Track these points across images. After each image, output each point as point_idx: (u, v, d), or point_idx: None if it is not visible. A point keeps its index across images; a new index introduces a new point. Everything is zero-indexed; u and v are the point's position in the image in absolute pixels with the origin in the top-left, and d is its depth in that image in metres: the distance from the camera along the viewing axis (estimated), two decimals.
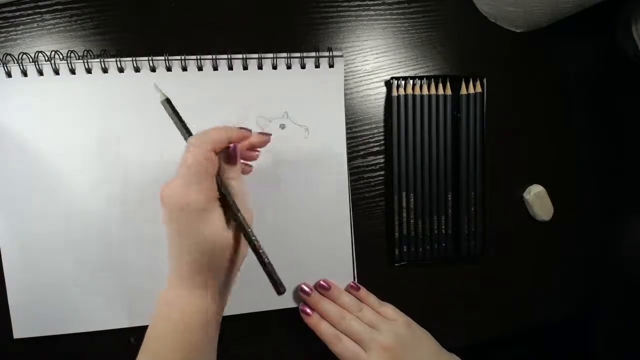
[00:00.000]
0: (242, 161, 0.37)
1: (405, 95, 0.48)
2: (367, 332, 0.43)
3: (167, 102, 0.34)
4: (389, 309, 0.46)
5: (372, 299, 0.46)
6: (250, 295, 0.46)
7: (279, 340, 0.48)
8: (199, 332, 0.33)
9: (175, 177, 0.32)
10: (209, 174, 0.32)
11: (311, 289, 0.46)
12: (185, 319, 0.33)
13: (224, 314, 0.46)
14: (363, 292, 0.47)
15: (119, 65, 0.43)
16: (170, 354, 0.32)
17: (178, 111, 0.34)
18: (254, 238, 0.34)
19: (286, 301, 0.47)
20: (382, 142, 0.49)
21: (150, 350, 0.33)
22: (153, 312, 0.33)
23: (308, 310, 0.45)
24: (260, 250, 0.34)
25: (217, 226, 0.32)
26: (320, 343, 0.44)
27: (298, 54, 0.45)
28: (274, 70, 0.45)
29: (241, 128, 0.36)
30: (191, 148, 0.32)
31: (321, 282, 0.46)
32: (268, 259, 0.34)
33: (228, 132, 0.34)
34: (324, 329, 0.44)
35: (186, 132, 0.34)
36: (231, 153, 0.34)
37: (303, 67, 0.46)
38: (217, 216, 0.32)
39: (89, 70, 0.43)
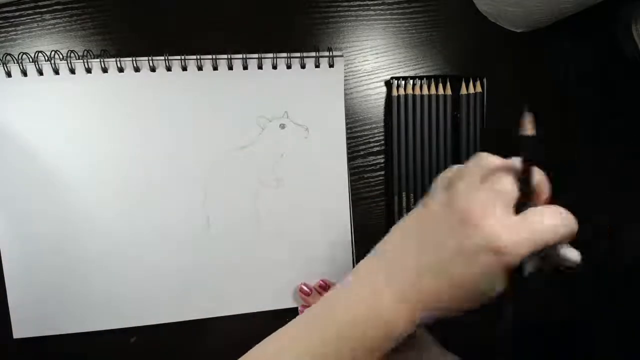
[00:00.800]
0: None
1: (405, 95, 0.48)
2: None
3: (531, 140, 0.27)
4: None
5: None
6: (251, 295, 0.46)
7: None
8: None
9: (510, 213, 0.26)
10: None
11: (311, 289, 0.46)
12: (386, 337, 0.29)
13: (224, 314, 0.46)
14: None
15: (119, 65, 0.43)
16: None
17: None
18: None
19: (286, 301, 0.47)
20: (382, 142, 0.49)
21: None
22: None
23: None
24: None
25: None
26: None
27: (298, 54, 0.45)
28: (274, 70, 0.45)
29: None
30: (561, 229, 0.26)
31: (321, 282, 0.46)
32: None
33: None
34: None
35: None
36: None
37: (303, 67, 0.46)
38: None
39: (88, 70, 0.43)
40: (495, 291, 0.28)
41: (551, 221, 0.26)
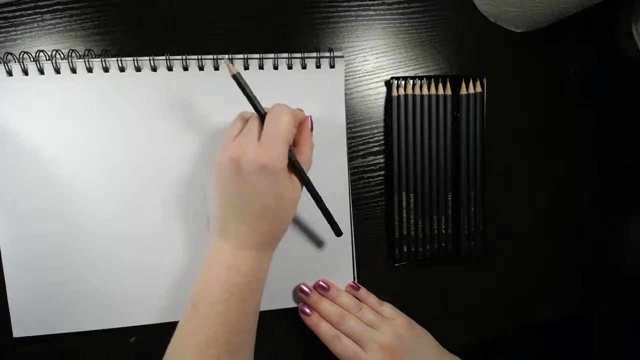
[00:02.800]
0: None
1: (405, 95, 0.48)
2: (367, 331, 0.43)
3: (236, 77, 0.37)
4: (389, 309, 0.46)
5: (371, 298, 0.46)
6: None
7: (279, 340, 0.48)
8: (259, 295, 0.40)
9: (242, 141, 0.37)
10: (289, 141, 0.37)
11: (310, 289, 0.46)
12: (252, 283, 0.39)
13: None
14: (363, 291, 0.47)
15: (120, 65, 0.43)
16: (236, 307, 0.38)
17: (247, 86, 0.38)
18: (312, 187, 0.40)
19: (286, 301, 0.47)
20: (382, 142, 0.49)
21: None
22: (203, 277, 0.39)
23: (307, 310, 0.45)
24: (318, 193, 0.41)
25: (291, 185, 0.38)
26: (319, 343, 0.44)
27: (299, 55, 0.45)
28: (274, 71, 0.45)
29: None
30: (283, 117, 0.37)
31: (320, 282, 0.46)
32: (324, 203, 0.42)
33: (295, 110, 0.39)
34: (323, 329, 0.44)
35: (259, 108, 0.38)
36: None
37: (304, 67, 0.46)
38: (289, 176, 0.38)
39: (90, 70, 0.43)
40: (294, 197, 0.39)
41: (279, 122, 0.37)
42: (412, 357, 0.43)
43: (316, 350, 0.44)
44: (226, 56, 0.44)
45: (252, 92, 0.38)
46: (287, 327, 0.47)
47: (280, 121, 0.37)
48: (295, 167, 0.39)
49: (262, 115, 0.38)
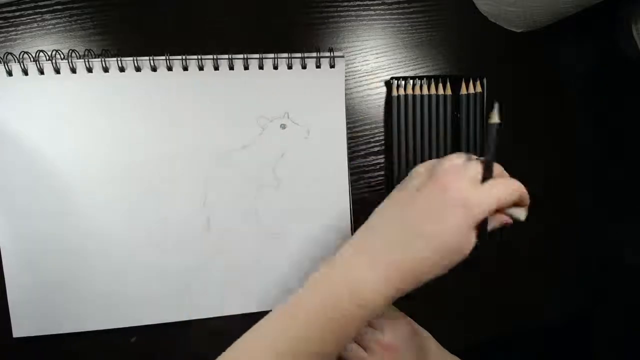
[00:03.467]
0: None
1: (405, 95, 0.48)
2: (368, 333, 0.43)
3: (497, 127, 0.34)
4: (390, 310, 0.46)
5: None
6: (251, 295, 0.46)
7: None
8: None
9: (476, 184, 0.32)
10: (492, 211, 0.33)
11: None
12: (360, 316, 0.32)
13: (224, 314, 0.46)
14: None
15: (120, 65, 0.43)
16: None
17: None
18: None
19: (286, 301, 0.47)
20: (382, 142, 0.49)
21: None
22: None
23: None
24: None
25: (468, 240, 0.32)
26: None
27: (299, 54, 0.45)
28: (274, 70, 0.45)
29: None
30: (515, 185, 0.34)
31: None
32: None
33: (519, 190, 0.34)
34: None
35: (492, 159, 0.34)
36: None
37: (304, 67, 0.46)
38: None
39: (89, 70, 0.43)
40: (466, 247, 0.32)
41: (506, 187, 0.33)
42: (413, 358, 0.43)
43: None
44: (226, 56, 0.44)
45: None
46: None
47: (509, 187, 0.33)
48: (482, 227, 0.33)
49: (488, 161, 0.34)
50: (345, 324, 0.32)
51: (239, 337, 0.45)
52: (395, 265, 0.32)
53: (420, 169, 0.36)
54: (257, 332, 0.33)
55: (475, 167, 0.33)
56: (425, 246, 0.32)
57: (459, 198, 0.31)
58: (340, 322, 0.32)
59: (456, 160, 0.34)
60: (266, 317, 0.34)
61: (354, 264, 0.33)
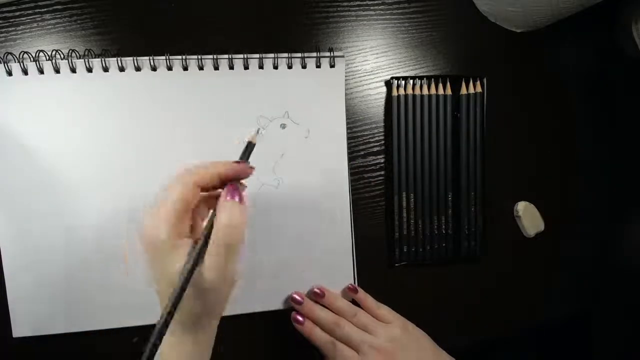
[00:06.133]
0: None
1: (405, 95, 0.48)
2: (362, 336, 0.42)
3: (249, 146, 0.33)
4: (386, 312, 0.45)
5: (369, 300, 0.46)
6: (251, 295, 0.46)
7: (278, 340, 0.48)
8: None
9: (155, 208, 0.30)
10: (188, 210, 0.31)
11: (303, 298, 0.45)
12: None
13: (224, 314, 0.46)
14: (361, 294, 0.46)
15: (120, 65, 0.43)
16: None
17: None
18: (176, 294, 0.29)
19: (287, 303, 0.47)
20: (382, 142, 0.49)
21: None
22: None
23: (300, 318, 0.45)
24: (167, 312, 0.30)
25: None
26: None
27: (299, 54, 0.45)
28: (275, 70, 0.45)
29: (235, 162, 0.32)
30: (177, 186, 0.31)
31: (315, 289, 0.46)
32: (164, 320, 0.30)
33: (216, 168, 0.31)
34: (318, 336, 0.44)
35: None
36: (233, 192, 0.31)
37: (304, 67, 0.46)
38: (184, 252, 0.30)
39: (89, 69, 0.43)
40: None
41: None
42: (408, 359, 0.43)
43: (316, 352, 0.44)
44: (226, 56, 0.44)
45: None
46: (286, 327, 0.47)
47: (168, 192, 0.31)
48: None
49: None
50: None
51: (238, 337, 0.45)
52: None
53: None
54: None
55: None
56: None
57: None
58: None
59: None
60: None
61: None
